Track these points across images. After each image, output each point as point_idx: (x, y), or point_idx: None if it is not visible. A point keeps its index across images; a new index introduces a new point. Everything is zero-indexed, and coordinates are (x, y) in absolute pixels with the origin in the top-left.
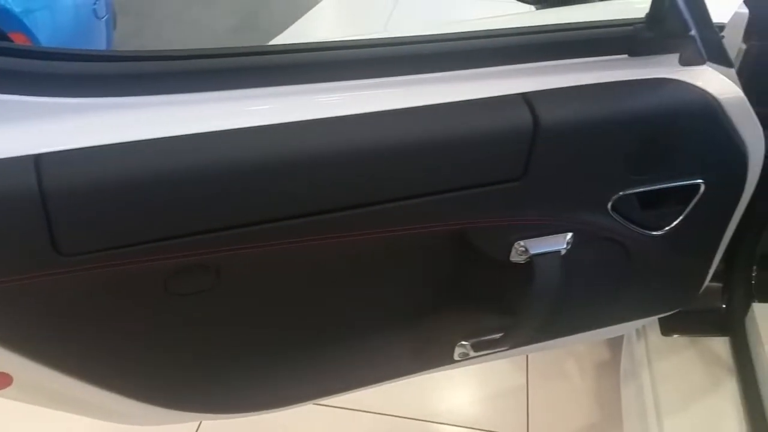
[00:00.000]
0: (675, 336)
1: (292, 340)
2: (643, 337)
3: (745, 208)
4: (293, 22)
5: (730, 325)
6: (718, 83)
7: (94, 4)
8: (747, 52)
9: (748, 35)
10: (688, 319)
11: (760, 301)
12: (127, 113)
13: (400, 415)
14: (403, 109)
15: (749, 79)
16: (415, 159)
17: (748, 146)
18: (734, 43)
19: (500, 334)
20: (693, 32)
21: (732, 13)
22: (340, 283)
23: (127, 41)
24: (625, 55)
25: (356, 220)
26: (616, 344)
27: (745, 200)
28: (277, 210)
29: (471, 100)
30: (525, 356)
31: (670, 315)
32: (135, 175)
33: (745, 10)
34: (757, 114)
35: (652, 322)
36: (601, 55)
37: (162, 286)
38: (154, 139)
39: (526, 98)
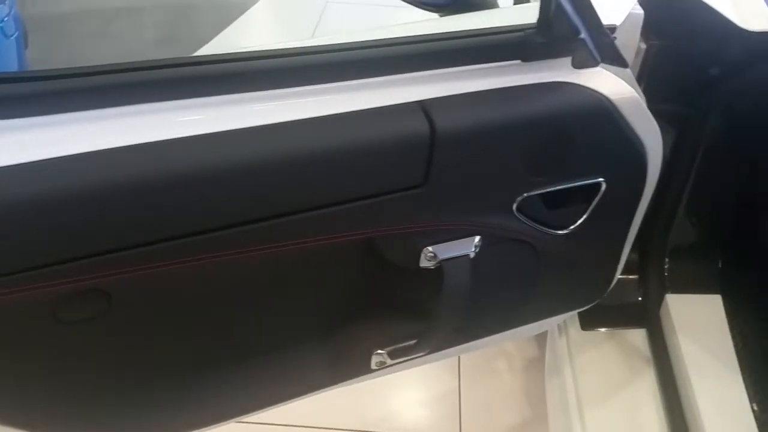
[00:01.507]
0: (595, 330)
1: (202, 360)
2: (564, 333)
3: (654, 202)
4: (217, 34)
5: (646, 316)
6: (611, 84)
7: (2, 21)
8: (647, 51)
9: (646, 35)
10: (606, 313)
11: (673, 292)
12: (24, 134)
13: (333, 426)
14: (300, 120)
15: (651, 77)
16: (316, 170)
17: (646, 144)
18: (631, 43)
19: (415, 341)
20: (583, 35)
21: (625, 14)
22: (248, 299)
23: (44, 59)
24: (519, 61)
25: (258, 235)
26: (544, 341)
27: (648, 196)
28: (174, 228)
29: (368, 109)
30: (457, 359)
31: (589, 310)
32: (12, 200)
33: (640, 11)
34: (661, 110)
35: (572, 317)
36: (496, 62)
37: (51, 315)
38: (30, 162)
39: (422, 106)
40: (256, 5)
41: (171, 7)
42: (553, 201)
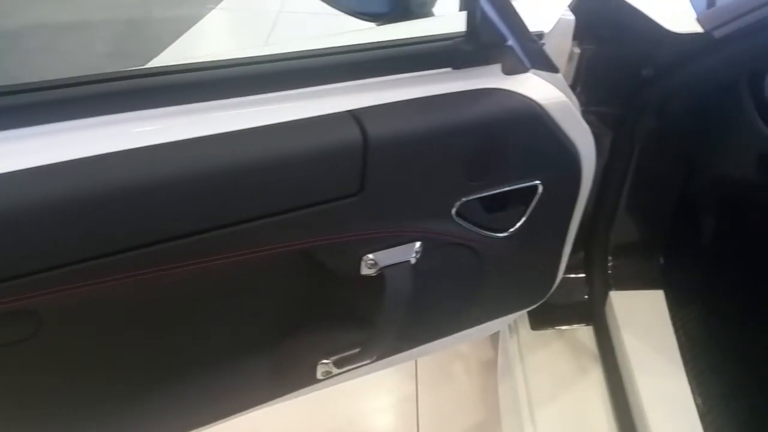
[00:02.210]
0: (544, 330)
1: (140, 379)
2: (515, 334)
3: (595, 202)
4: (165, 48)
5: (592, 314)
6: (541, 89)
7: None
8: (581, 56)
9: (580, 39)
10: (555, 313)
11: (617, 290)
12: None
13: None
14: (232, 132)
15: (587, 81)
16: (250, 181)
17: (578, 146)
18: (564, 48)
19: (359, 349)
20: (510, 42)
21: (555, 21)
22: (187, 314)
23: None
24: (450, 68)
25: (195, 249)
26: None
27: (584, 197)
28: (106, 245)
29: (300, 119)
30: (414, 364)
31: (538, 310)
32: None
33: (571, 17)
34: (598, 112)
35: (522, 318)
36: (427, 70)
37: None
38: None
39: (354, 115)
40: (206, 18)
41: (120, 22)
42: (492, 204)
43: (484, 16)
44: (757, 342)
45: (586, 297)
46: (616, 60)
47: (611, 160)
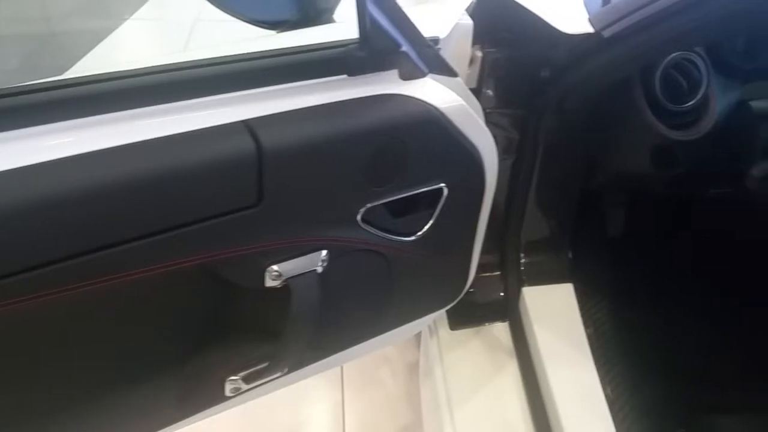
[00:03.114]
0: (463, 329)
1: (40, 407)
2: (435, 335)
3: (506, 201)
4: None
5: (507, 311)
6: (439, 94)
7: None
8: (483, 59)
9: (482, 43)
10: (473, 312)
11: (530, 285)
12: None
13: None
14: (122, 146)
15: (490, 83)
16: (143, 197)
17: (480, 148)
18: (463, 52)
19: (267, 363)
20: (405, 48)
21: (451, 26)
22: (83, 337)
23: None
24: (345, 75)
25: (89, 269)
26: None
27: (489, 197)
28: None
29: (193, 131)
30: (340, 371)
31: (457, 309)
32: None
33: (469, 21)
34: (503, 113)
35: (441, 318)
36: (322, 77)
37: None
38: None
39: (247, 125)
40: (120, 29)
41: (28, 37)
42: (399, 209)
43: (375, 23)
44: (661, 330)
45: (501, 294)
46: (517, 62)
47: (518, 159)
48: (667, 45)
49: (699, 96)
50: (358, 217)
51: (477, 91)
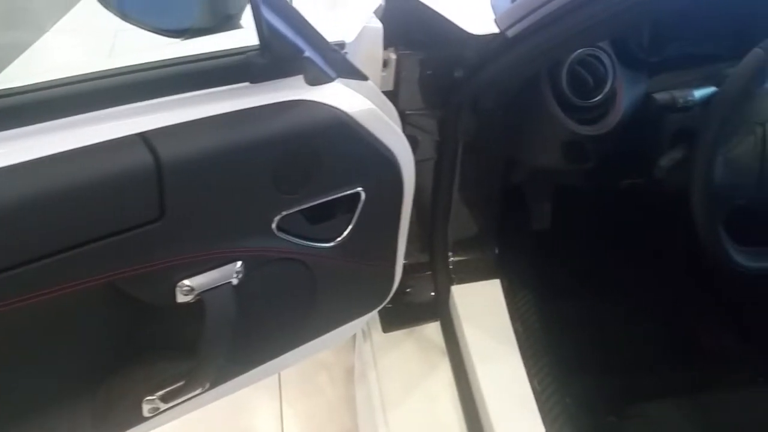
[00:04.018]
0: (396, 331)
1: None
2: (368, 338)
3: (432, 201)
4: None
5: (438, 310)
6: (348, 98)
7: None
8: (398, 61)
9: (395, 46)
10: (406, 313)
11: (459, 283)
12: None
13: None
14: (13, 165)
15: (406, 85)
16: (39, 216)
17: (394, 150)
18: (375, 55)
19: (184, 380)
20: (308, 54)
21: (357, 30)
22: None
23: None
24: (248, 83)
25: None
26: None
27: (409, 198)
28: None
29: (88, 145)
30: (278, 380)
31: (390, 312)
32: None
33: (378, 24)
34: (422, 114)
35: (374, 321)
36: (223, 85)
37: None
38: None
39: (143, 137)
40: (37, 43)
41: None
42: (317, 215)
43: (273, 29)
44: (587, 320)
45: (432, 294)
46: (431, 63)
47: (440, 159)
48: (568, 42)
49: (605, 91)
50: (273, 226)
51: (394, 94)
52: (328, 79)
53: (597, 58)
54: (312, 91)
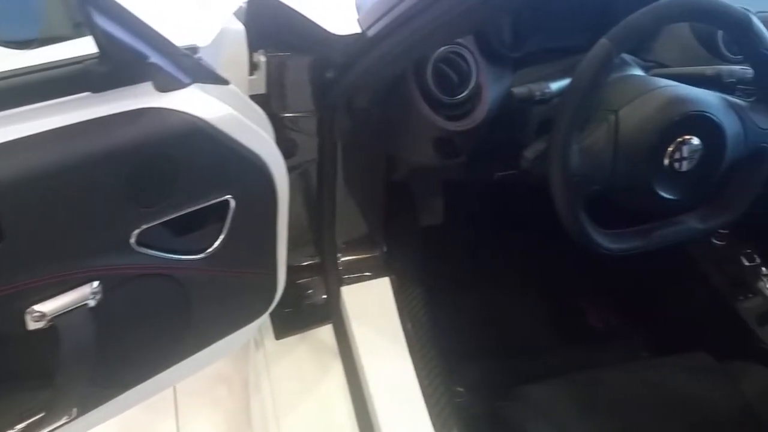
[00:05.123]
0: (289, 337)
1: None
2: (261, 346)
3: (316, 203)
4: None
5: (330, 311)
6: (203, 104)
7: None
8: (269, 64)
9: (264, 48)
10: (298, 318)
11: (349, 284)
12: None
13: None
14: None
15: (280, 87)
16: None
17: (261, 155)
18: (240, 58)
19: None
20: (154, 59)
21: (214, 33)
22: None
23: None
24: (89, 93)
25: None
26: None
27: (284, 202)
28: None
29: None
30: (173, 397)
31: (281, 318)
32: None
33: (239, 26)
34: (299, 116)
35: (266, 329)
36: (60, 97)
37: None
38: None
39: None
40: None
41: None
42: (185, 226)
43: (110, 36)
44: (472, 310)
45: (324, 297)
46: (302, 65)
47: (320, 161)
48: (426, 40)
49: (470, 87)
50: (132, 241)
51: (267, 97)
52: (180, 85)
53: (460, 55)
54: (162, 98)
